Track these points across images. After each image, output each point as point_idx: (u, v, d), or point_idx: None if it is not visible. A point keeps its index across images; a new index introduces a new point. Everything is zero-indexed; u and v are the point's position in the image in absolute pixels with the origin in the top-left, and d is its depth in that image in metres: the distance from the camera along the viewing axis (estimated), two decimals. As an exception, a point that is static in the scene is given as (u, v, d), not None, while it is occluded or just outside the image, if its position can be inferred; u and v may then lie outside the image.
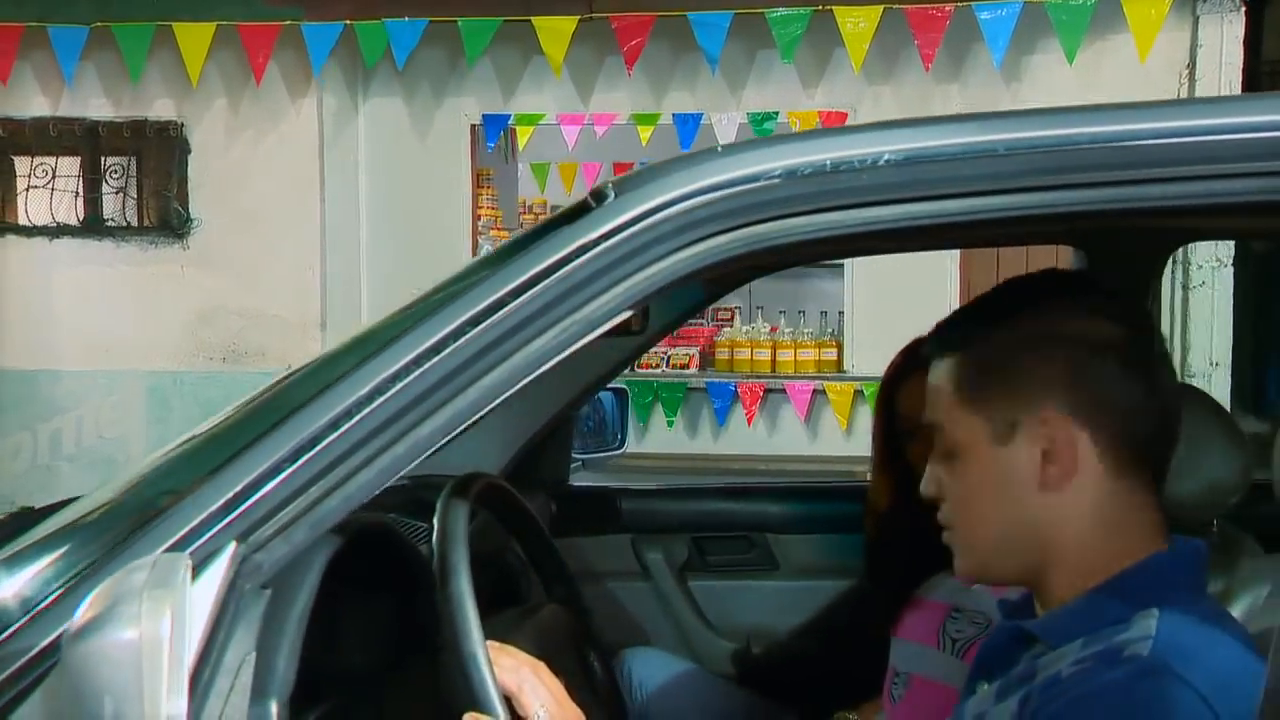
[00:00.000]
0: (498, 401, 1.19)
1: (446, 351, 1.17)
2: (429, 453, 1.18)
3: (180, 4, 6.20)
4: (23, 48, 6.38)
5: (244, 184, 6.56)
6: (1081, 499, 1.26)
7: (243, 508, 1.14)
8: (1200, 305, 6.09)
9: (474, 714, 1.29)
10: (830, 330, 6.71)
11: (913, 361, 1.91)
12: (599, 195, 1.24)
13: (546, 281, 1.18)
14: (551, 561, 1.67)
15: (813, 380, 6.41)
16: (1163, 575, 1.23)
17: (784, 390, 6.41)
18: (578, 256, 1.19)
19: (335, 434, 1.15)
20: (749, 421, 6.40)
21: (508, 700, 1.32)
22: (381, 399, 1.16)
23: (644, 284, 1.19)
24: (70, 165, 6.67)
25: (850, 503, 2.19)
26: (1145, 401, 1.26)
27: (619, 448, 2.66)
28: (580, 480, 2.58)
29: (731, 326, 7.01)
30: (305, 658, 1.55)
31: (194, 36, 6.12)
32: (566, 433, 2.49)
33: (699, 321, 7.45)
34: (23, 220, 6.75)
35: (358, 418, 1.16)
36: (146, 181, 6.66)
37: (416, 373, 1.17)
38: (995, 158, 1.19)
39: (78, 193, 6.68)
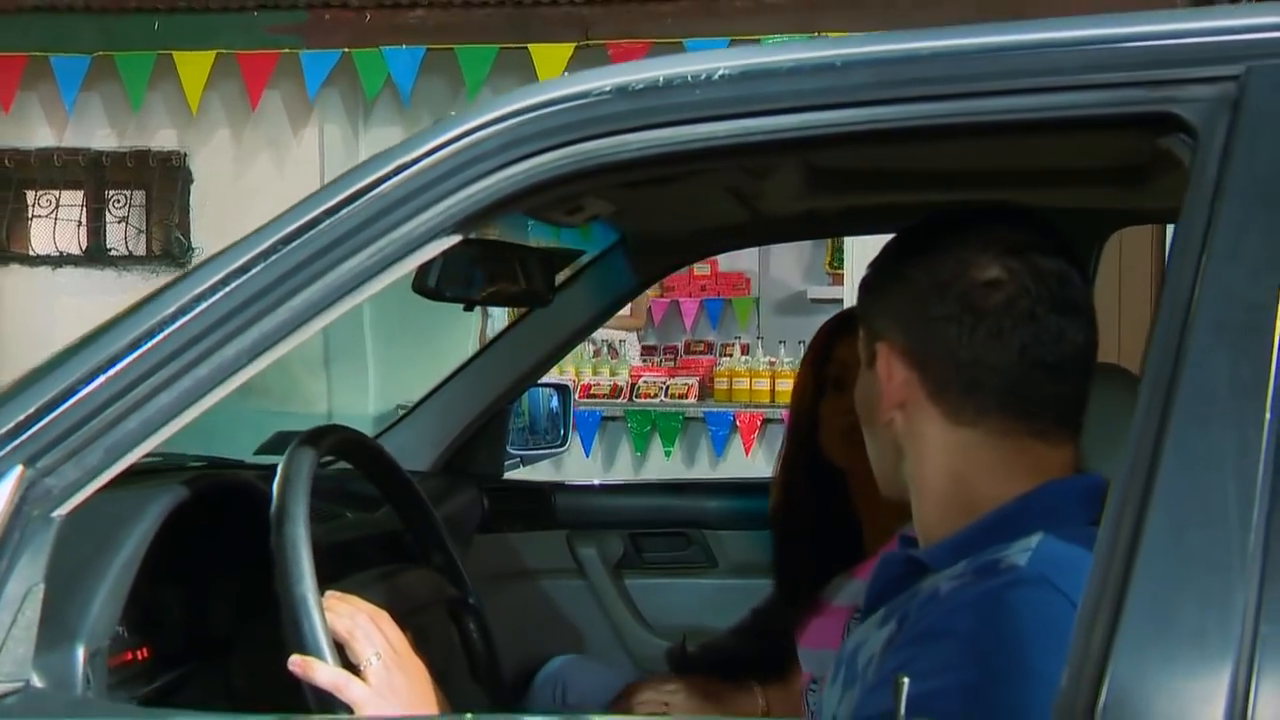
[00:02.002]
0: (312, 324, 1.14)
1: (254, 271, 1.12)
2: (238, 375, 1.13)
3: (181, 32, 6.24)
4: (26, 77, 6.44)
5: (246, 213, 6.54)
6: (926, 434, 1.23)
7: (33, 430, 1.09)
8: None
9: (300, 657, 1.24)
10: (832, 361, 6.62)
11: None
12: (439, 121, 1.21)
13: (361, 200, 1.13)
14: (425, 524, 1.61)
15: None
16: (1050, 506, 1.19)
17: (783, 420, 6.31)
18: (395, 175, 1.14)
19: (134, 355, 1.10)
20: (747, 451, 6.32)
21: (341, 648, 1.27)
22: (185, 319, 1.11)
23: (466, 203, 1.14)
24: (74, 196, 6.71)
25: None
26: (1001, 357, 1.19)
27: (561, 445, 2.61)
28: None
29: (731, 358, 6.95)
30: (168, 617, 1.51)
31: (194, 65, 6.16)
32: (500, 426, 2.44)
33: (700, 353, 7.40)
34: (27, 250, 6.78)
35: (159, 338, 1.11)
36: (149, 211, 6.69)
37: (223, 292, 1.12)
38: (833, 71, 1.14)
39: (81, 222, 6.71)
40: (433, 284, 1.66)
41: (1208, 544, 0.92)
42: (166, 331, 1.11)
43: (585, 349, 6.81)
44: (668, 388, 6.51)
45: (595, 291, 2.30)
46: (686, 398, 6.48)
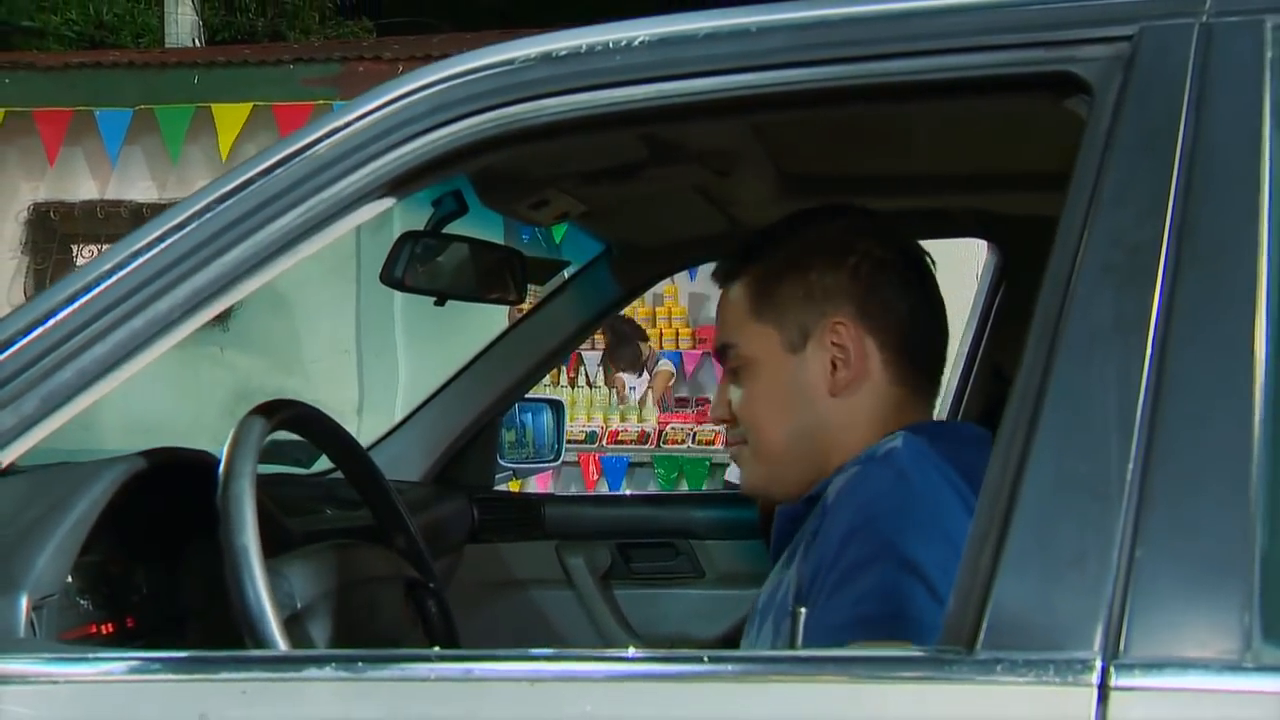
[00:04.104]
0: (245, 282, 1.18)
1: (189, 229, 1.17)
2: (172, 329, 1.17)
3: (221, 85, 6.43)
4: (70, 132, 6.63)
5: (284, 262, 6.68)
6: (865, 403, 1.33)
7: None
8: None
9: None
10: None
11: None
12: None
13: (294, 161, 1.18)
14: (385, 506, 1.64)
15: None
16: (914, 429, 1.30)
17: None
18: (328, 138, 1.19)
19: (71, 307, 1.15)
20: (775, 496, 6.32)
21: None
22: (121, 273, 1.16)
23: (394, 165, 1.19)
24: (117, 247, 6.86)
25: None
26: (921, 312, 1.37)
27: (554, 460, 2.63)
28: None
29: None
30: (137, 595, 1.54)
31: (230, 116, 6.32)
32: (491, 438, 2.47)
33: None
34: (70, 301, 6.93)
35: (95, 291, 1.16)
36: (188, 262, 6.82)
37: (159, 248, 1.17)
38: (747, 36, 1.18)
39: (122, 273, 6.86)
40: (399, 275, 1.70)
41: (1089, 472, 0.95)
42: (103, 285, 1.15)
43: (611, 397, 6.84)
44: (695, 434, 6.53)
45: (581, 302, 2.33)
46: (714, 444, 6.50)
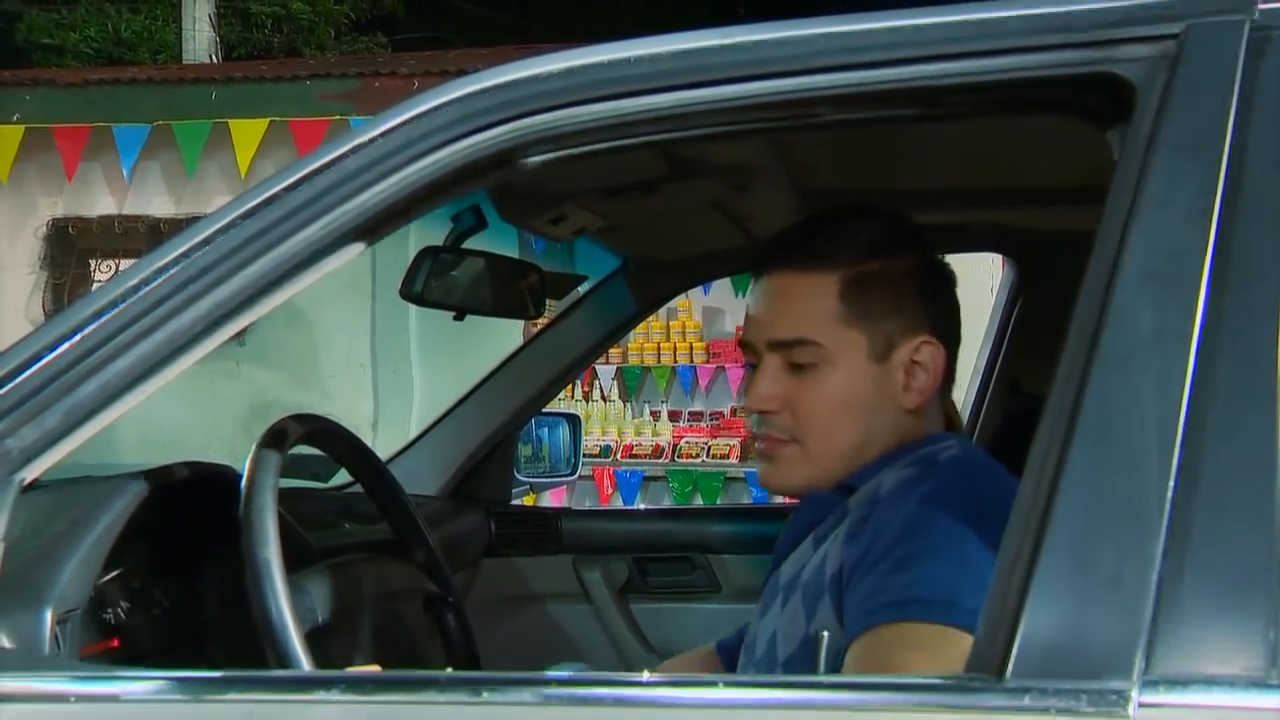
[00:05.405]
0: (269, 296, 1.18)
1: (214, 243, 1.18)
2: (196, 344, 1.18)
3: (238, 101, 6.46)
4: (89, 149, 6.66)
5: (297, 278, 6.70)
6: (926, 408, 1.37)
7: None
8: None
9: None
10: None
11: None
12: None
13: (318, 177, 1.19)
14: (406, 522, 1.64)
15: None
16: (956, 438, 1.38)
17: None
18: (353, 153, 1.20)
19: (96, 323, 1.16)
20: (790, 510, 6.31)
21: None
22: (147, 289, 1.17)
23: (417, 175, 1.19)
24: (133, 262, 6.88)
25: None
26: (958, 318, 1.42)
27: (571, 474, 2.64)
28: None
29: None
30: (158, 609, 1.55)
31: (247, 132, 6.35)
32: (508, 453, 2.47)
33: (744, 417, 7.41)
34: (87, 315, 6.96)
35: (120, 307, 1.16)
36: (205, 276, 6.84)
37: (183, 264, 1.17)
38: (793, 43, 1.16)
39: (139, 288, 6.88)
40: (419, 290, 1.70)
41: (1127, 491, 0.92)
42: (128, 301, 1.16)
43: (626, 411, 6.84)
44: (709, 448, 6.53)
45: (598, 317, 2.34)
46: (728, 458, 6.49)
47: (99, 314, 1.16)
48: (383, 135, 1.20)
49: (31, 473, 1.17)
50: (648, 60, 1.18)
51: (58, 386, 1.15)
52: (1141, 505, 0.91)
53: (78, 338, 1.16)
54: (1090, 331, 0.96)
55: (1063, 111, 1.13)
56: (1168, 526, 0.90)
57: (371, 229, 1.20)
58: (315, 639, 1.34)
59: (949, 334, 1.39)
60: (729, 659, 1.66)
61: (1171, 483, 0.90)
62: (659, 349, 7.29)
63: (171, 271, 1.17)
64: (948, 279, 1.42)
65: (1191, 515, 0.90)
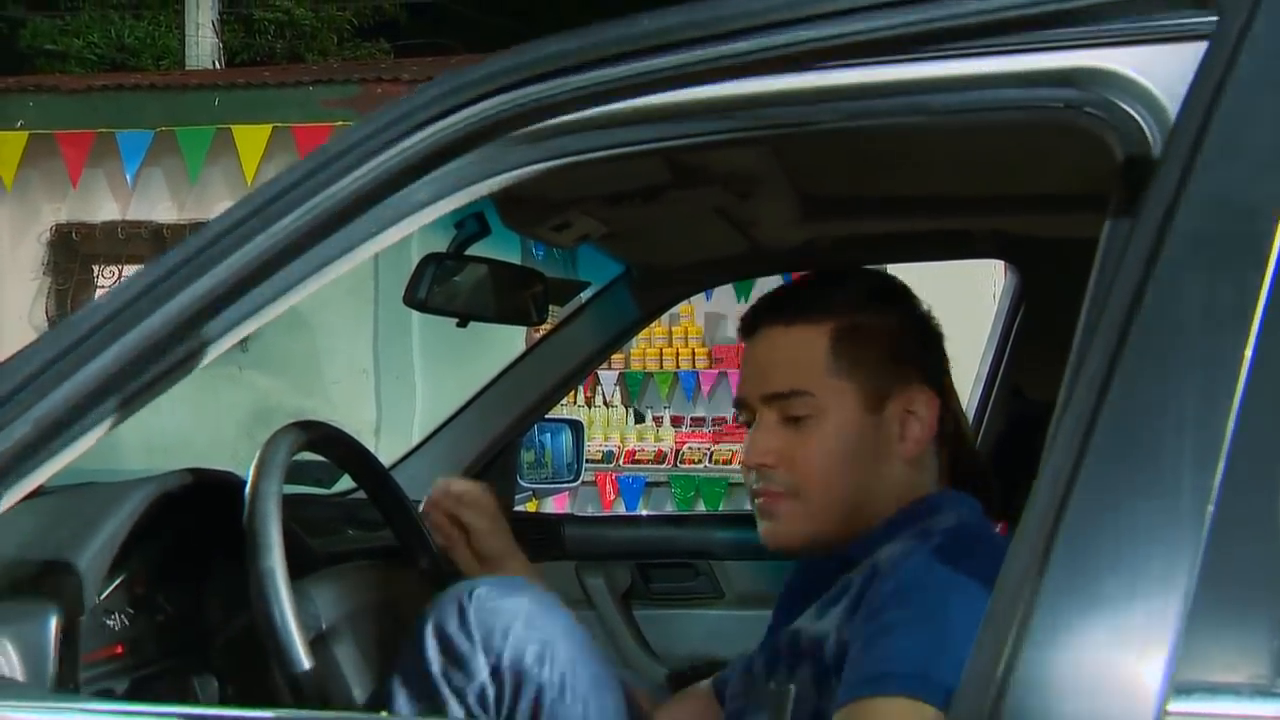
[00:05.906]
0: (238, 301, 1.17)
1: (246, 248, 1.17)
2: (169, 350, 1.16)
3: (241, 106, 6.47)
4: (93, 155, 6.68)
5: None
6: (923, 459, 1.38)
7: None
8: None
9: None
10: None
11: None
12: None
13: (357, 172, 1.19)
14: (409, 527, 1.65)
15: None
16: (954, 501, 1.36)
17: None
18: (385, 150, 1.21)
19: (105, 329, 1.16)
20: (792, 516, 6.31)
21: None
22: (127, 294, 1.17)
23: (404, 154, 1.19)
24: (137, 268, 6.90)
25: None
26: (948, 369, 1.45)
27: (574, 480, 2.64)
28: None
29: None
30: (162, 616, 1.55)
31: (251, 138, 6.36)
32: (510, 459, 2.47)
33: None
34: (89, 321, 6.97)
35: (128, 311, 1.16)
36: (208, 282, 6.85)
37: (159, 271, 1.17)
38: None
39: (142, 293, 6.89)
40: (422, 296, 1.71)
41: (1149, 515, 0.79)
42: (135, 306, 1.16)
43: (628, 417, 6.84)
44: (712, 454, 6.53)
45: (601, 324, 2.34)
46: (730, 464, 6.49)
47: (110, 318, 1.16)
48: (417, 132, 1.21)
49: (38, 479, 1.18)
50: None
51: (26, 395, 1.13)
52: (1168, 531, 0.78)
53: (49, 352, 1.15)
54: (1125, 309, 0.82)
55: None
56: (1203, 562, 0.76)
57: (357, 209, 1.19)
58: (319, 646, 1.34)
59: (940, 385, 1.40)
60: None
61: (1210, 508, 0.77)
62: (661, 354, 7.30)
63: (149, 278, 1.17)
64: (936, 332, 1.45)
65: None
